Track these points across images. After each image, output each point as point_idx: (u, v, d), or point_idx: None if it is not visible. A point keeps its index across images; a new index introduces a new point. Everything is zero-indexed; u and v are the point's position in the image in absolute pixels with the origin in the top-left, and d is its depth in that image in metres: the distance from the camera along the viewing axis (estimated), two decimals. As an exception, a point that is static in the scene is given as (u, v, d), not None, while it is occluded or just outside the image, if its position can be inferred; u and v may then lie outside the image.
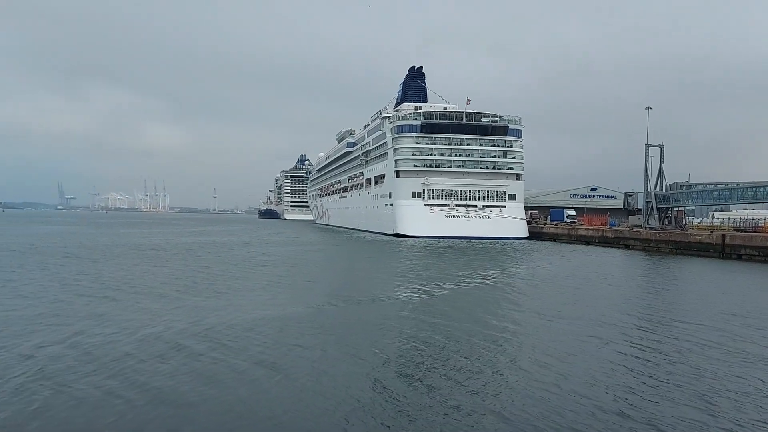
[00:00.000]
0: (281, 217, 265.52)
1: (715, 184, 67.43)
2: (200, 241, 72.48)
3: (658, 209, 70.85)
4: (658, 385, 13.52)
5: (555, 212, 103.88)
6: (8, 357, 14.89)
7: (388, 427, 10.70)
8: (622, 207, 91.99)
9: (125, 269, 36.69)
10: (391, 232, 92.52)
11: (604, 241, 75.40)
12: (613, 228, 79.84)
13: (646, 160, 72.53)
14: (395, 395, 12.43)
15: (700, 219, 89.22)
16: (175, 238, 77.15)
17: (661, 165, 71.69)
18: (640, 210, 75.93)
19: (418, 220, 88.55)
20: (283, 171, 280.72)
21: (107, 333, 17.77)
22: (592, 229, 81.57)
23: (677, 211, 73.26)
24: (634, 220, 79.10)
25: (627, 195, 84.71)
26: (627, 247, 69.66)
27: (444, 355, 15.87)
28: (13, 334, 17.51)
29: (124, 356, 15.11)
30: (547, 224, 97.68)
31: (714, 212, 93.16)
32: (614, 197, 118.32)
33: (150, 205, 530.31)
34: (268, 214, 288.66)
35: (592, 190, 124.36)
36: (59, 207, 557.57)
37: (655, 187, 71.88)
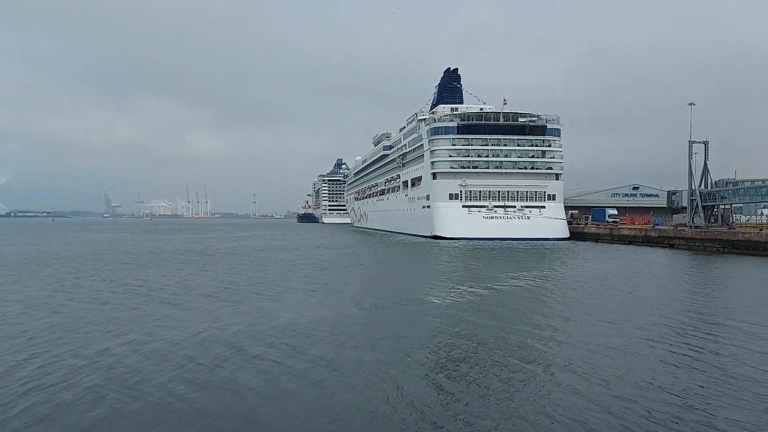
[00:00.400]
0: (319, 221, 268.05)
1: (764, 181, 65.44)
2: (244, 245, 74.05)
3: (703, 207, 69.14)
4: (712, 389, 13.34)
5: (596, 212, 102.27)
6: (78, 361, 15.67)
7: (446, 429, 10.90)
8: (665, 206, 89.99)
9: (177, 274, 37.90)
10: (428, 234, 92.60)
11: (648, 241, 73.93)
12: (657, 227, 78.22)
13: (690, 157, 70.84)
14: (450, 398, 12.63)
15: (748, 217, 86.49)
16: (219, 244, 78.97)
17: (705, 162, 69.96)
18: (685, 208, 74.19)
19: (456, 221, 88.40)
20: (321, 175, 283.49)
21: (168, 336, 18.56)
22: (635, 229, 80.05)
23: (724, 208, 71.30)
24: (678, 218, 77.36)
25: (670, 193, 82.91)
26: (672, 246, 68.17)
27: (493, 356, 16.05)
28: (79, 338, 18.41)
29: (186, 359, 15.81)
30: (588, 224, 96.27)
31: (763, 209, 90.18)
32: (657, 196, 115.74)
33: (192, 212, 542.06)
34: (307, 218, 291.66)
35: (634, 188, 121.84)
36: (106, 215, 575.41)
37: (700, 185, 70.16)
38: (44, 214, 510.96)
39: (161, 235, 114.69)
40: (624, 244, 76.49)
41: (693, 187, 70.74)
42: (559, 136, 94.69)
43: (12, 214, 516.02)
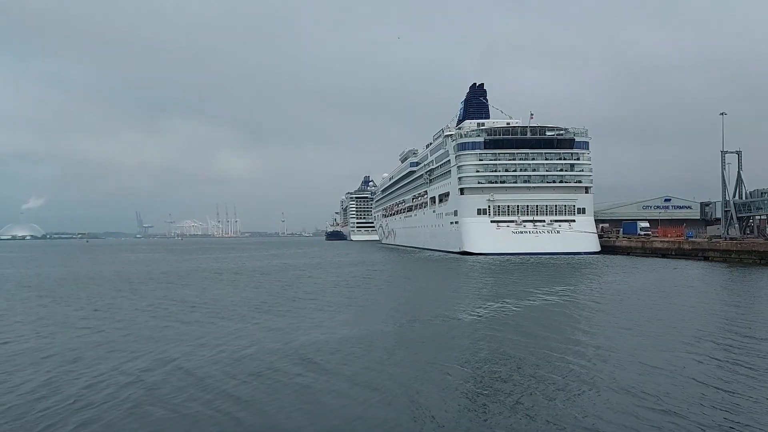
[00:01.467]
0: (347, 239, 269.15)
1: (801, 190, 63.88)
2: (275, 264, 74.94)
3: (738, 218, 67.71)
4: (753, 407, 13.17)
5: (627, 225, 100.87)
6: (123, 378, 16.16)
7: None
8: (698, 217, 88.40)
9: (213, 293, 38.63)
10: (457, 250, 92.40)
11: (682, 253, 72.60)
12: (691, 239, 76.78)
13: (723, 168, 69.60)
14: (494, 417, 12.56)
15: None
16: (251, 262, 80.00)
17: (739, 172, 68.64)
18: (719, 220, 72.76)
19: (485, 237, 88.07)
20: (348, 193, 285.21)
21: (206, 354, 19.02)
22: (667, 241, 78.73)
23: (759, 219, 69.74)
24: (712, 230, 75.82)
25: (704, 205, 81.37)
26: (706, 258, 66.82)
27: (534, 373, 15.94)
28: (123, 356, 18.94)
29: (226, 376, 16.19)
30: (619, 237, 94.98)
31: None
32: (690, 207, 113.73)
33: (222, 231, 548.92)
34: (335, 236, 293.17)
35: (666, 200, 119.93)
36: (138, 235, 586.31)
37: (734, 196, 68.78)
38: (78, 235, 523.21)
39: (194, 254, 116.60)
40: (657, 257, 75.25)
41: (727, 198, 69.42)
42: (588, 148, 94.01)
43: (47, 236, 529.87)
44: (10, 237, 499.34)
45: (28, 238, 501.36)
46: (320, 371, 16.58)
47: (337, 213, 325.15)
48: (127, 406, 13.59)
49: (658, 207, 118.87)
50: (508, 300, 31.84)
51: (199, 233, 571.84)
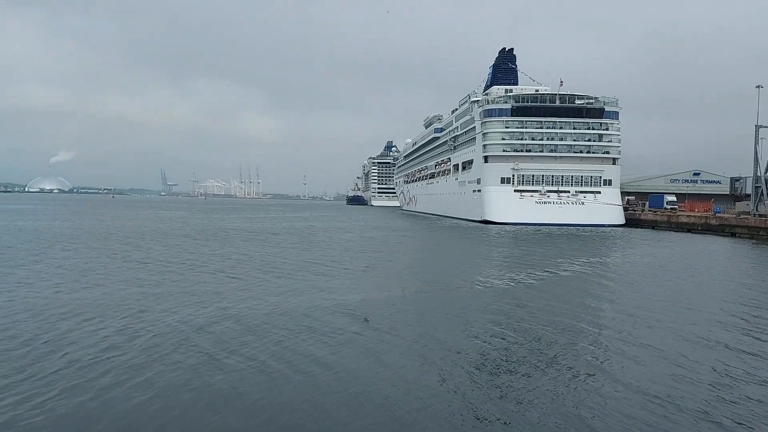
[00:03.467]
0: (368, 204, 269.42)
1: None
2: (304, 226, 75.51)
3: (770, 195, 66.06)
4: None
5: (654, 198, 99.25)
6: (188, 329, 16.42)
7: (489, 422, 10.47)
8: (727, 193, 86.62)
9: (256, 251, 39.22)
10: (478, 218, 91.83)
11: (708, 229, 71.29)
12: (718, 215, 75.25)
13: (756, 143, 67.75)
14: (495, 388, 12.14)
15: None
16: (281, 224, 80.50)
17: (774, 147, 66.71)
18: (749, 196, 71.16)
19: (507, 206, 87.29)
20: (371, 158, 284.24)
21: (265, 309, 19.47)
22: (694, 216, 77.30)
23: (792, 196, 67.96)
24: (741, 206, 74.27)
25: (734, 180, 79.67)
26: (733, 235, 65.54)
27: (544, 348, 15.39)
28: (184, 309, 19.21)
29: (287, 331, 16.48)
30: (645, 210, 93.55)
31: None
32: (719, 182, 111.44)
33: (245, 192, 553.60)
34: (356, 201, 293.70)
35: (695, 174, 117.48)
36: (162, 193, 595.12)
37: (766, 171, 67.00)
38: (105, 191, 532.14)
39: (220, 213, 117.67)
40: (682, 231, 74.02)
41: (759, 174, 67.67)
42: (618, 119, 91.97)
43: (74, 190, 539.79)
44: (38, 190, 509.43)
45: (55, 191, 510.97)
46: (341, 331, 16.60)
47: (358, 178, 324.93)
48: (199, 358, 13.74)
49: (686, 181, 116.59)
50: (526, 271, 31.49)
51: (222, 193, 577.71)
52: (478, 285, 26.20)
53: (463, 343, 15.73)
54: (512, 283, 26.71)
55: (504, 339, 16.27)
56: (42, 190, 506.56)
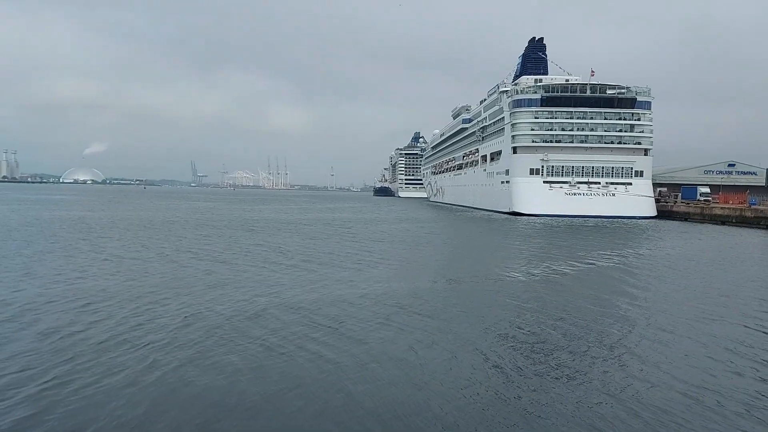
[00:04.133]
0: (395, 195, 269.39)
1: None
2: (336, 217, 76.51)
3: (808, 186, 64.45)
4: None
5: (686, 190, 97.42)
6: (242, 316, 17.11)
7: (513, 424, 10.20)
8: (763, 184, 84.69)
9: (296, 242, 40.14)
10: (506, 210, 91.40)
11: (743, 221, 69.91)
12: (754, 207, 73.66)
13: (796, 133, 65.94)
14: (522, 385, 11.94)
15: None
16: (313, 215, 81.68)
17: (813, 138, 64.93)
18: (787, 187, 69.42)
19: (536, 197, 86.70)
20: (398, 149, 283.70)
21: (297, 296, 20.24)
22: (728, 208, 75.81)
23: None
24: (778, 198, 72.53)
25: (771, 171, 77.68)
26: (770, 227, 64.17)
27: (573, 342, 15.30)
28: (237, 295, 20.02)
29: (333, 320, 17.07)
30: (677, 202, 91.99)
31: None
32: (755, 173, 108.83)
33: (272, 183, 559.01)
34: (383, 192, 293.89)
35: (730, 165, 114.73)
36: (192, 184, 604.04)
37: (806, 162, 65.34)
38: (136, 182, 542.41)
39: (250, 204, 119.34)
40: (716, 224, 72.73)
41: (797, 165, 66.01)
42: (650, 109, 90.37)
43: (107, 182, 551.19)
44: (72, 181, 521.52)
45: (89, 182, 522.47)
46: (369, 322, 16.96)
47: (385, 169, 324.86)
48: (257, 345, 14.27)
49: (720, 172, 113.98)
50: (557, 263, 31.54)
51: (251, 184, 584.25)
52: (509, 277, 26.43)
53: (511, 332, 16.05)
54: (542, 276, 26.85)
55: (534, 333, 16.39)
56: (76, 181, 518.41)
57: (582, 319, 17.78)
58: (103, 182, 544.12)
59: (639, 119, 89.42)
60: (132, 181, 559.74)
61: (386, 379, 12.07)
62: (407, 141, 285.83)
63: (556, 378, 12.37)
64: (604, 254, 35.88)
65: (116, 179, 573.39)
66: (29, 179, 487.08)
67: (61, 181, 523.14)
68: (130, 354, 13.12)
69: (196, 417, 9.97)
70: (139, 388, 11.12)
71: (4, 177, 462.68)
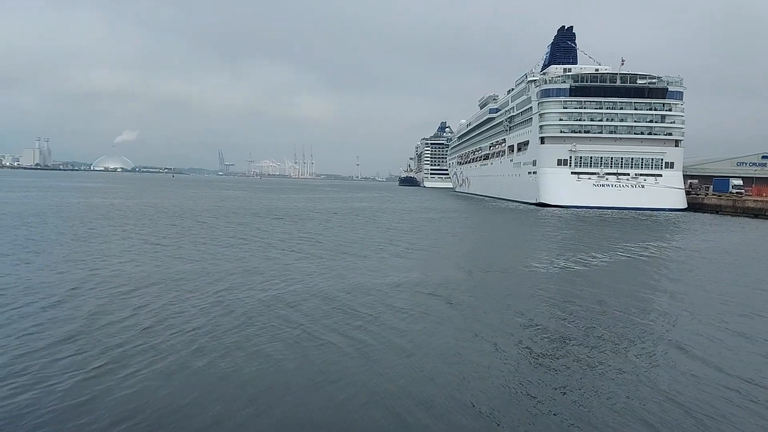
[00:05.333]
0: (420, 185, 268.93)
1: None
2: (364, 206, 77.19)
3: None
4: None
5: (718, 182, 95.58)
6: (259, 302, 17.58)
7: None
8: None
9: (331, 231, 40.80)
10: (533, 201, 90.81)
11: (778, 214, 68.46)
12: (789, 200, 72.06)
13: (835, 124, 64.27)
14: (568, 381, 11.84)
15: None
16: (342, 204, 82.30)
17: None
18: (824, 180, 67.77)
19: (564, 189, 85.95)
20: (424, 138, 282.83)
21: (333, 285, 20.64)
22: (762, 201, 74.29)
23: None
24: (815, 191, 70.83)
25: (808, 163, 75.81)
26: (806, 221, 62.81)
27: (604, 336, 15.24)
28: (274, 284, 20.49)
29: (367, 308, 17.51)
30: (708, 194, 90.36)
31: None
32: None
33: (299, 172, 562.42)
34: (408, 182, 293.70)
35: (764, 157, 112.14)
36: (219, 173, 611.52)
37: None
38: (165, 170, 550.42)
39: (278, 193, 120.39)
40: (749, 216, 71.35)
41: (836, 157, 64.38)
42: (681, 99, 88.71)
43: (137, 170, 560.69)
44: (102, 169, 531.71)
45: (119, 170, 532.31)
46: (395, 309, 17.30)
47: (411, 159, 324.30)
48: (296, 332, 14.62)
49: (754, 164, 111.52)
50: (585, 255, 31.37)
51: (277, 173, 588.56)
52: (540, 269, 26.42)
53: (551, 325, 16.18)
54: (573, 268, 26.78)
55: (576, 326, 16.41)
56: (106, 169, 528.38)
57: (621, 312, 17.77)
58: (133, 170, 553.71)
59: (670, 109, 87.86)
60: (161, 169, 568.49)
61: (431, 370, 12.19)
62: (433, 132, 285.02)
63: (602, 374, 12.29)
64: (635, 246, 35.58)
65: (145, 167, 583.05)
66: (61, 167, 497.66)
67: (92, 168, 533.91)
68: (176, 338, 13.60)
69: (247, 404, 10.24)
70: (188, 373, 11.51)
71: (37, 164, 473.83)
